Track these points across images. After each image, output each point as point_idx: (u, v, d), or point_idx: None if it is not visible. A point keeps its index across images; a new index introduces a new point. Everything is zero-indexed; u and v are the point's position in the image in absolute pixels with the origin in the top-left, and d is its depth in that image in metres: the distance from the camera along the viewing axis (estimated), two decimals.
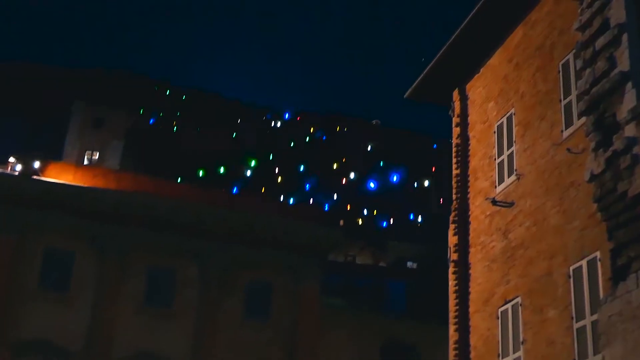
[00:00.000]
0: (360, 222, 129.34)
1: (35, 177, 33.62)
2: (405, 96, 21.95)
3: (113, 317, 33.47)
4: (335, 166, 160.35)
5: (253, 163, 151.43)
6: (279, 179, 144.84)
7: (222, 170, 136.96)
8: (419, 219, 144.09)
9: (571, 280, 15.29)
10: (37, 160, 34.03)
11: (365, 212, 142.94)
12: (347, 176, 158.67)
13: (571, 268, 15.36)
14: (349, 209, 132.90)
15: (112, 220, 34.20)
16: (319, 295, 36.72)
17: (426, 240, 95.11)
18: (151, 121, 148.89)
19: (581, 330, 14.82)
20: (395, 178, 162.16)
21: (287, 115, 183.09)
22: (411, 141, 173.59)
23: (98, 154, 66.36)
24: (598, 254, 14.66)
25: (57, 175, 34.27)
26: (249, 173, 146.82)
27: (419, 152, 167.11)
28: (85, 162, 64.38)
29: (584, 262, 15.03)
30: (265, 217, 36.37)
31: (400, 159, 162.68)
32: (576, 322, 14.98)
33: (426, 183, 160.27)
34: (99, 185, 34.73)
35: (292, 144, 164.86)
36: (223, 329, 34.74)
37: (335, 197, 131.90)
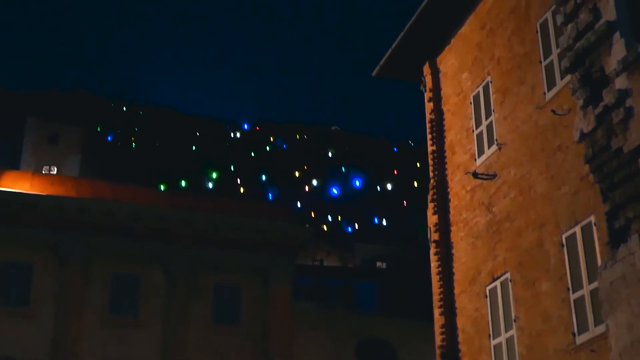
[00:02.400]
0: (325, 228, 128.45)
1: None
2: (373, 74, 20.97)
3: (77, 329, 32.03)
4: (297, 174, 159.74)
5: (214, 175, 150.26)
6: (241, 189, 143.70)
7: (183, 183, 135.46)
8: (384, 222, 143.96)
9: (565, 248, 14.38)
10: None
11: (329, 218, 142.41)
12: (310, 183, 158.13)
13: (564, 236, 14.45)
14: (313, 215, 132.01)
15: (71, 229, 32.78)
16: (290, 296, 35.52)
17: (392, 241, 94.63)
18: (109, 138, 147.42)
19: (579, 301, 13.90)
20: (357, 183, 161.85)
21: (246, 126, 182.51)
22: (371, 145, 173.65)
23: (56, 169, 64.67)
24: (592, 218, 13.78)
25: (13, 185, 32.76)
26: (210, 185, 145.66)
27: (380, 156, 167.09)
28: None
29: (577, 229, 14.13)
30: (231, 217, 35.09)
31: (361, 164, 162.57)
32: (573, 293, 14.07)
33: (389, 186, 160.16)
34: (56, 193, 33.22)
35: (252, 154, 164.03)
36: (192, 335, 33.41)
37: (298, 204, 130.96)
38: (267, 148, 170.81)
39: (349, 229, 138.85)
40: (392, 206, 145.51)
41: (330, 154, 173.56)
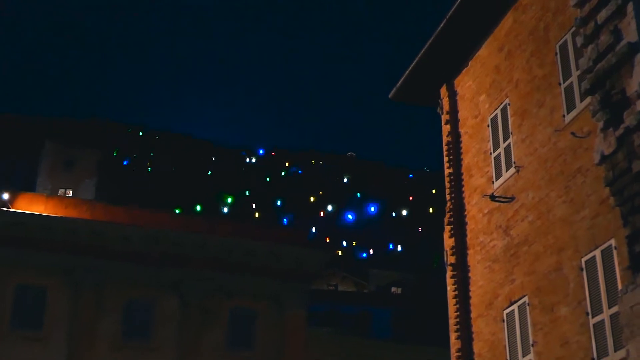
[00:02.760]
0: (339, 254, 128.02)
1: (3, 208, 32.02)
2: (389, 96, 20.82)
3: (90, 354, 31.86)
4: (312, 199, 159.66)
5: (229, 200, 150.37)
6: (257, 215, 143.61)
7: (198, 208, 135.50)
8: (399, 248, 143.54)
9: (584, 273, 14.13)
10: (6, 192, 32.44)
11: (344, 243, 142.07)
12: (325, 209, 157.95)
13: (583, 260, 14.20)
14: (327, 241, 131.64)
15: (86, 253, 32.73)
16: (305, 322, 35.25)
17: (407, 268, 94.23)
18: (125, 162, 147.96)
19: (599, 326, 13.63)
20: (372, 209, 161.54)
21: (261, 152, 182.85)
22: (386, 172, 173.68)
23: (71, 192, 64.82)
24: (613, 241, 13.53)
25: (28, 207, 32.71)
26: (225, 210, 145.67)
27: (395, 183, 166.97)
28: None
29: (597, 252, 13.87)
30: (246, 242, 34.91)
31: (377, 190, 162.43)
32: (592, 317, 13.79)
33: (404, 212, 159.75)
34: (71, 216, 33.15)
35: (267, 180, 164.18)
36: None
37: (313, 229, 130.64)
38: (283, 174, 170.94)
39: (364, 255, 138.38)
40: (407, 233, 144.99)
41: (345, 180, 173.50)
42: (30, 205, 32.84)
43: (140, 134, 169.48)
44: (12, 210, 32.11)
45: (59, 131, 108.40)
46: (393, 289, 73.04)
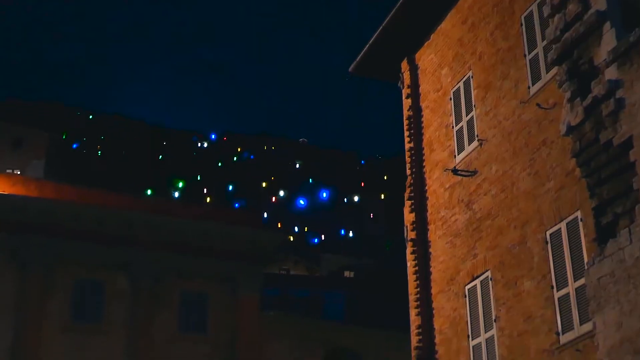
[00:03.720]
0: (291, 239, 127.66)
1: None
2: (349, 70, 20.43)
3: (38, 336, 30.91)
4: (264, 185, 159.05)
5: (180, 184, 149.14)
6: (208, 200, 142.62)
7: (149, 192, 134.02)
8: (350, 234, 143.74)
9: (549, 246, 13.91)
10: None
11: (296, 229, 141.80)
12: (277, 194, 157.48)
13: (548, 233, 13.97)
14: (280, 226, 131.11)
15: (33, 232, 31.77)
16: (258, 304, 34.78)
17: (359, 253, 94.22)
18: (74, 145, 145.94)
19: (564, 300, 13.42)
20: (324, 194, 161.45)
21: (213, 137, 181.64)
22: (338, 158, 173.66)
23: (19, 172, 63.36)
24: (579, 213, 13.33)
25: None
26: (177, 195, 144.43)
27: (347, 169, 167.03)
28: None
29: (562, 225, 13.66)
30: (199, 223, 34.29)
31: (329, 176, 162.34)
32: (557, 291, 13.58)
33: (356, 198, 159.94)
34: (18, 194, 32.21)
35: (219, 165, 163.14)
36: (157, 344, 32.50)
37: (265, 215, 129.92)
38: (234, 159, 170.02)
39: (316, 240, 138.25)
40: (358, 218, 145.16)
41: (297, 166, 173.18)
42: None
43: (90, 117, 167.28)
44: None
45: (5, 111, 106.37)
46: (346, 273, 72.88)
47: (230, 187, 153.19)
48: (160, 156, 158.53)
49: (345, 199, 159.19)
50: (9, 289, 31.19)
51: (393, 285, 55.38)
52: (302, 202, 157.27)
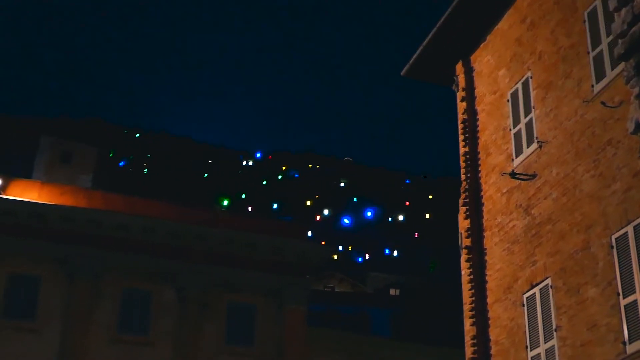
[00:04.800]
0: (336, 258, 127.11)
1: None
2: (402, 74, 19.99)
3: (85, 346, 30.77)
4: (308, 203, 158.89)
5: (226, 202, 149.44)
6: None
7: None
8: (395, 253, 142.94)
9: (614, 250, 13.26)
10: None
11: (340, 248, 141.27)
12: (321, 213, 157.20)
13: (613, 237, 13.34)
14: (324, 244, 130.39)
15: (82, 242, 31.69)
16: (305, 317, 34.30)
17: (404, 272, 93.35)
18: (121, 163, 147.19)
19: (631, 307, 12.76)
20: (369, 213, 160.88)
21: (259, 155, 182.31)
22: (383, 177, 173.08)
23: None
24: None
25: (21, 194, 31.71)
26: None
27: (392, 187, 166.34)
28: None
29: (629, 228, 13.01)
30: (247, 235, 33.94)
31: (374, 195, 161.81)
32: (623, 298, 12.92)
33: (400, 217, 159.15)
34: (67, 204, 32.16)
35: (264, 183, 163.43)
36: (204, 355, 32.17)
37: (309, 233, 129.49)
38: (279, 177, 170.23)
39: (360, 259, 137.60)
40: (403, 238, 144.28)
41: (342, 184, 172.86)
42: (24, 193, 31.83)
43: (137, 135, 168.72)
44: (3, 197, 31.11)
45: (55, 127, 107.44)
46: (391, 291, 72.09)
47: (275, 206, 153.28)
48: (206, 174, 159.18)
49: (390, 218, 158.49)
50: (57, 297, 31.10)
51: (440, 303, 54.78)
52: (346, 220, 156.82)
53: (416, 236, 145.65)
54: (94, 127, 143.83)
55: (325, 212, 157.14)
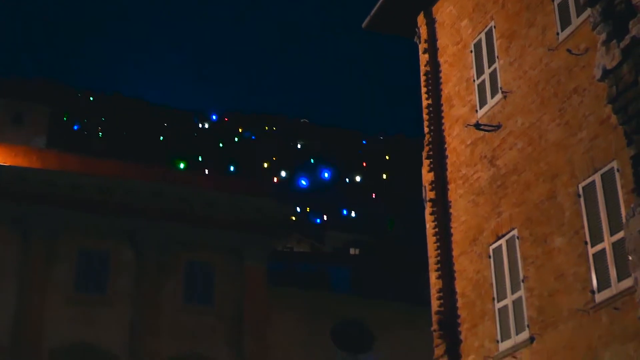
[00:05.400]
0: (293, 219, 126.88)
1: None
2: (363, 26, 19.65)
3: (41, 307, 30.28)
4: (265, 165, 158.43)
5: (182, 165, 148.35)
6: None
7: None
8: (352, 214, 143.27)
9: (581, 199, 13.17)
10: None
11: (298, 209, 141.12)
12: (278, 175, 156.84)
13: (580, 186, 13.24)
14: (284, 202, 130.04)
15: (36, 202, 31.08)
16: (265, 275, 34.10)
17: (363, 231, 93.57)
18: (75, 127, 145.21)
19: (599, 256, 12.69)
20: (326, 174, 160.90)
21: (214, 117, 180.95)
22: (340, 138, 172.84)
23: None
24: (615, 164, 12.58)
25: None
26: None
27: (349, 148, 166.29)
28: None
29: (596, 177, 12.92)
30: (206, 192, 33.54)
31: (330, 156, 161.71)
32: (592, 247, 12.83)
33: (357, 178, 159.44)
34: (20, 165, 31.47)
35: (220, 145, 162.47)
36: (163, 315, 31.83)
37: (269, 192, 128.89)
38: (236, 139, 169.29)
39: (318, 220, 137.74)
40: (360, 198, 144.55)
41: (299, 146, 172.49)
42: None
43: (91, 98, 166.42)
44: None
45: (6, 88, 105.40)
46: (351, 250, 72.22)
47: (232, 168, 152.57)
48: (161, 137, 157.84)
49: (347, 179, 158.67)
50: (11, 257, 30.51)
51: (400, 261, 54.90)
52: (303, 182, 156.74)
53: (373, 196, 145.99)
54: (47, 88, 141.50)
55: (283, 173, 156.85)
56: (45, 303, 30.41)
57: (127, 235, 32.22)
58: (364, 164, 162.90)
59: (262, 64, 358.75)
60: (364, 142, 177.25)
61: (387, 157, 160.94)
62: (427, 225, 17.31)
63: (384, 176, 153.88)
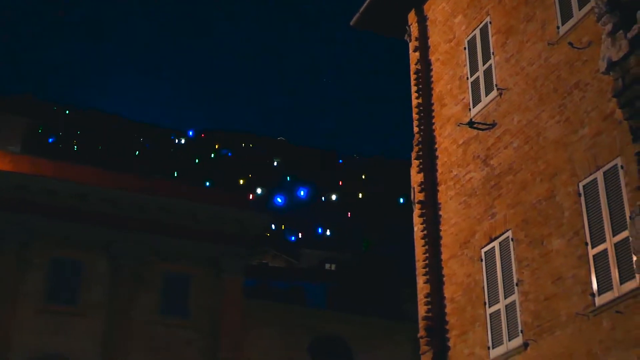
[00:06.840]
0: (268, 235, 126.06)
1: None
2: (351, 24, 19.05)
3: (11, 317, 29.32)
4: (241, 182, 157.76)
5: None
6: None
7: None
8: (327, 232, 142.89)
9: (582, 198, 12.57)
10: None
11: (273, 226, 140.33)
12: (254, 192, 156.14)
13: (581, 184, 12.64)
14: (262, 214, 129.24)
15: (8, 208, 30.14)
16: (242, 288, 33.35)
17: (337, 249, 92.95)
18: (50, 140, 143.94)
19: (600, 257, 12.08)
20: (302, 193, 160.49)
21: (191, 133, 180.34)
22: (316, 156, 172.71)
23: None
24: (618, 160, 12.01)
25: None
26: None
27: (325, 167, 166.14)
28: None
29: (598, 175, 12.33)
30: (184, 203, 32.73)
31: (307, 174, 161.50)
32: (592, 248, 12.22)
33: (333, 197, 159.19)
34: None
35: (197, 161, 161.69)
36: (137, 327, 30.94)
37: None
38: (212, 156, 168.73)
39: (293, 238, 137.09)
40: (336, 217, 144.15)
41: (275, 164, 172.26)
42: None
43: (67, 112, 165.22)
44: None
45: None
46: (327, 266, 71.51)
47: (208, 184, 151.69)
48: (137, 152, 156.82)
49: (323, 198, 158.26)
50: None
51: (377, 278, 54.28)
52: (279, 199, 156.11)
53: (349, 216, 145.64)
54: (22, 101, 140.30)
55: (259, 190, 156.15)
56: (15, 313, 29.48)
57: (102, 245, 31.38)
58: (340, 183, 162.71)
59: (239, 83, 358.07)
60: (340, 161, 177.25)
61: (363, 177, 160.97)
62: (415, 228, 16.65)
63: (360, 195, 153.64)
